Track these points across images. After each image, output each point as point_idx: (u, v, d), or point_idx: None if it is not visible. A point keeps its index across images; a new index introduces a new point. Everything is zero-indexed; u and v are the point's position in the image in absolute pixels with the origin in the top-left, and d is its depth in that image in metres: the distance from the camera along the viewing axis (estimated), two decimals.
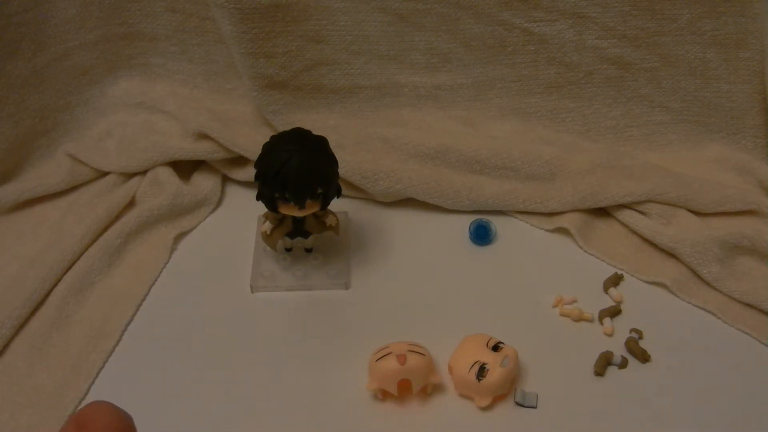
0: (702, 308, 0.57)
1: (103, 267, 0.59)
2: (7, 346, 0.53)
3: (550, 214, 0.65)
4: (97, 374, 0.52)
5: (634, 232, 0.63)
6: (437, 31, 0.66)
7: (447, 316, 0.56)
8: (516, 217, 0.65)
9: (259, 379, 0.51)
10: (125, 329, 0.55)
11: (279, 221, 0.57)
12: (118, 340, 0.54)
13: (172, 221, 0.63)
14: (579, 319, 0.55)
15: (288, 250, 0.60)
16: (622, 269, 0.60)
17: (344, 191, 0.59)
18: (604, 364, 0.52)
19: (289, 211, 0.53)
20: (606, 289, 0.58)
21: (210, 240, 0.63)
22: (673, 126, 0.69)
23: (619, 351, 0.53)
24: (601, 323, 0.55)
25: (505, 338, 0.51)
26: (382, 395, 0.49)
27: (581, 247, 0.62)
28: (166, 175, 0.65)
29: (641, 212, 0.63)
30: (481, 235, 0.62)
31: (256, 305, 0.57)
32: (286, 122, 0.66)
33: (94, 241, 0.60)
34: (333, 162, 0.53)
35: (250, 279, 0.58)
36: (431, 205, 0.65)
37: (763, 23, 0.62)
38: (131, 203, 0.65)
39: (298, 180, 0.50)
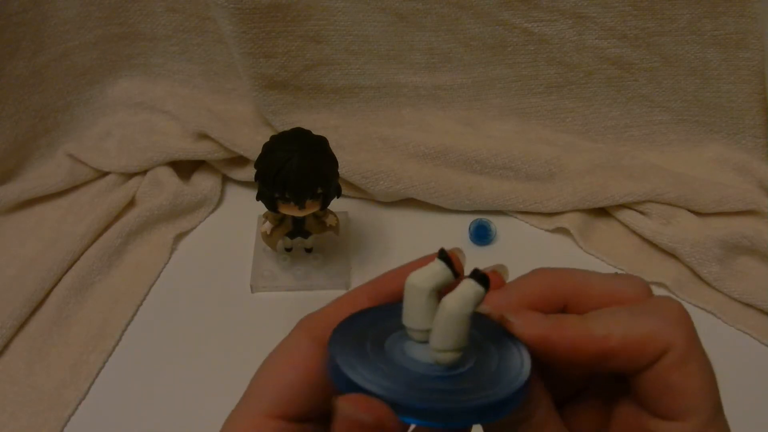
0: (702, 308, 0.57)
1: (103, 267, 0.59)
2: (7, 346, 0.52)
3: (550, 214, 0.65)
4: (97, 374, 0.52)
5: (634, 232, 0.63)
6: (437, 31, 0.66)
7: None
8: (516, 217, 0.65)
9: None
10: (125, 329, 0.55)
11: (279, 221, 0.57)
12: (118, 340, 0.54)
13: (172, 221, 0.63)
14: None
15: (288, 250, 0.60)
16: (622, 269, 0.60)
17: (344, 191, 0.59)
18: None
19: (289, 211, 0.53)
20: None
21: (210, 240, 0.63)
22: (673, 126, 0.69)
23: None
24: None
25: None
26: None
27: (581, 247, 0.62)
28: (166, 175, 0.65)
29: (641, 212, 0.63)
30: (481, 235, 0.62)
31: (256, 305, 0.57)
32: (286, 122, 0.66)
33: (94, 241, 0.60)
34: (333, 162, 0.53)
35: (250, 279, 0.58)
36: (431, 205, 0.65)
37: (763, 23, 0.62)
38: (131, 203, 0.65)
39: (298, 180, 0.50)
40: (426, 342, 0.22)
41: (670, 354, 0.20)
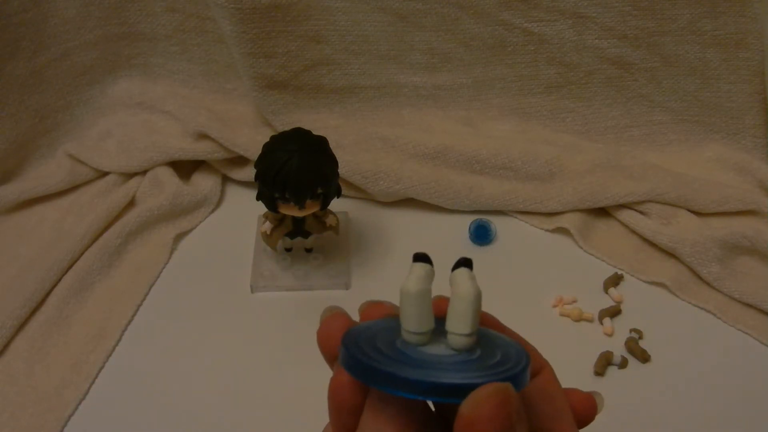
0: (702, 308, 0.57)
1: (103, 267, 0.59)
2: (7, 346, 0.52)
3: (550, 214, 0.65)
4: (97, 374, 0.52)
5: (634, 232, 0.63)
6: (437, 31, 0.66)
7: None
8: (516, 217, 0.65)
9: (259, 378, 0.51)
10: (125, 329, 0.55)
11: (279, 221, 0.57)
12: (118, 340, 0.54)
13: (172, 221, 0.63)
14: (579, 319, 0.55)
15: (288, 250, 0.60)
16: (622, 269, 0.60)
17: (344, 191, 0.59)
18: (604, 364, 0.52)
19: (289, 211, 0.53)
20: (606, 289, 0.58)
21: (210, 240, 0.63)
22: (673, 126, 0.69)
23: (619, 351, 0.53)
24: (601, 323, 0.55)
25: None
26: None
27: (581, 247, 0.62)
28: (166, 175, 0.65)
29: (641, 212, 0.63)
30: (481, 235, 0.62)
31: (256, 305, 0.57)
32: (286, 122, 0.66)
33: (94, 241, 0.60)
34: (333, 162, 0.53)
35: (250, 279, 0.58)
36: (431, 205, 0.65)
37: (763, 23, 0.62)
38: (131, 203, 0.65)
39: (298, 180, 0.50)
40: (425, 344, 0.23)
41: (546, 370, 0.28)
